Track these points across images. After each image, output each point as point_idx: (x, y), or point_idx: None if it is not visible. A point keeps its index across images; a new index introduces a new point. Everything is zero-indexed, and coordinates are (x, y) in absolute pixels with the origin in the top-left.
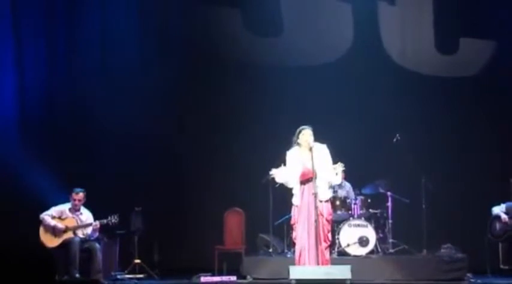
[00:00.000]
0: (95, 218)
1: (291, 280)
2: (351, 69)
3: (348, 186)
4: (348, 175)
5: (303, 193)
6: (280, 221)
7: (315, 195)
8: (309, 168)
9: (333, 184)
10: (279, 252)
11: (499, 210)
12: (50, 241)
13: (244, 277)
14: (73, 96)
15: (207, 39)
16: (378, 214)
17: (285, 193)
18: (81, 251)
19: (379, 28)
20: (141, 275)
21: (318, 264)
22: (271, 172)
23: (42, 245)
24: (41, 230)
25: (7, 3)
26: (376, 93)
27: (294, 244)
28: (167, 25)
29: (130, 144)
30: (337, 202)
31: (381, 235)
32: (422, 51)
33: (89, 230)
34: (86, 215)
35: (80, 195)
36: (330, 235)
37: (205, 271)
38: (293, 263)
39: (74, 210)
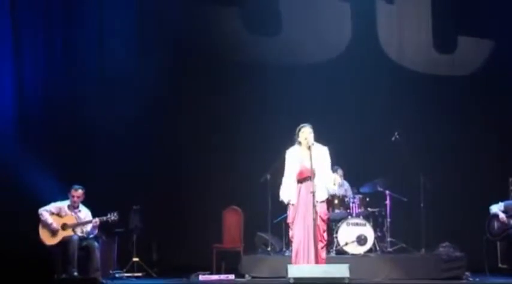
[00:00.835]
0: (94, 216)
1: (290, 278)
2: (349, 68)
3: (346, 184)
4: (346, 174)
5: (299, 191)
6: (278, 219)
7: (313, 193)
8: (307, 166)
9: (330, 191)
10: (277, 251)
11: (497, 208)
12: (48, 239)
13: (243, 276)
14: (72, 95)
15: (206, 38)
16: (376, 213)
17: None
18: (79, 250)
19: (377, 27)
20: (139, 274)
21: (315, 263)
22: (282, 197)
23: (41, 243)
24: (40, 227)
25: (6, 2)
26: (374, 92)
27: (291, 243)
28: (166, 24)
29: (128, 142)
30: (336, 201)
31: (379, 234)
32: (420, 50)
33: (88, 227)
34: (85, 213)
35: (79, 191)
36: (325, 234)
37: (203, 270)
38: (291, 262)
39: (73, 207)
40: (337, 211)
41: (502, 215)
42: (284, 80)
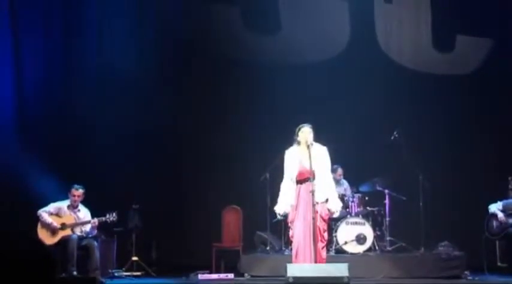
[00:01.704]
0: (93, 216)
1: (289, 277)
2: (349, 67)
3: (345, 183)
4: (345, 173)
5: (299, 192)
6: (277, 219)
7: (313, 192)
8: (307, 166)
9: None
10: (277, 250)
11: (495, 207)
12: (48, 238)
13: (242, 275)
14: (71, 95)
15: (205, 38)
16: (376, 212)
17: None
18: (78, 249)
19: (376, 26)
20: (138, 273)
21: (315, 263)
22: (277, 212)
23: (40, 242)
24: (39, 227)
25: (6, 4)
26: (373, 91)
27: (291, 242)
28: (166, 23)
29: (128, 142)
30: None
31: (379, 233)
32: (420, 49)
33: (87, 227)
34: (84, 213)
35: (79, 191)
36: (326, 234)
37: (202, 269)
38: (291, 261)
39: (72, 207)
40: None
41: (500, 215)
42: (283, 79)
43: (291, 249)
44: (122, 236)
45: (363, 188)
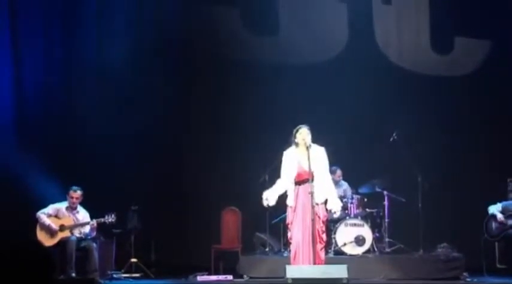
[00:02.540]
0: (92, 217)
1: (288, 279)
2: (347, 68)
3: (345, 184)
4: (344, 174)
5: (298, 193)
6: (276, 220)
7: (311, 194)
8: (305, 167)
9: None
10: (276, 251)
11: (495, 209)
12: (46, 240)
13: (241, 276)
14: (71, 96)
15: (205, 38)
16: (375, 214)
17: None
18: (77, 251)
19: (375, 27)
20: (137, 274)
21: (314, 264)
22: (264, 197)
23: (39, 244)
24: (38, 228)
25: (5, 6)
26: (372, 92)
27: (290, 244)
28: (165, 23)
29: (127, 143)
30: None
31: (377, 235)
32: (418, 50)
33: (86, 229)
34: (83, 214)
35: (77, 193)
36: (324, 236)
37: (201, 270)
38: (290, 263)
39: (71, 208)
40: None
41: (500, 216)
42: (282, 80)
43: (290, 251)
44: (121, 238)
45: (362, 189)
